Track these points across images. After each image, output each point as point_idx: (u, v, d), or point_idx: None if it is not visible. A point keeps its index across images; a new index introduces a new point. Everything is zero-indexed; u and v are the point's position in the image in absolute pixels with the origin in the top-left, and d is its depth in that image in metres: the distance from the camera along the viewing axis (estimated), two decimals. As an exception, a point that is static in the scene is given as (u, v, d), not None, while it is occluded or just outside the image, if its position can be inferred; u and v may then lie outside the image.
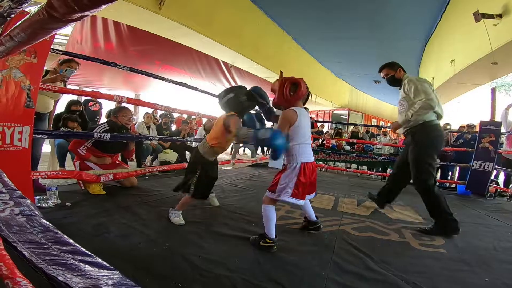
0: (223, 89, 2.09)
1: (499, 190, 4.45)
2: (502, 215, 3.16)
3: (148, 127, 4.61)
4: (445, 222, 2.26)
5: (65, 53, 2.86)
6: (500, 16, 4.33)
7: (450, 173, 5.65)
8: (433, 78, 7.77)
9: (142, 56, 6.87)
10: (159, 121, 5.19)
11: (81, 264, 0.49)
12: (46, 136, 2.41)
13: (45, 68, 2.51)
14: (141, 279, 1.28)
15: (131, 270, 1.34)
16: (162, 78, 3.25)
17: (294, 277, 1.43)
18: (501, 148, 4.53)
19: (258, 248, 1.71)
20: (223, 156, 7.18)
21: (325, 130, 8.60)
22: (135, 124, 4.72)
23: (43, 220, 0.60)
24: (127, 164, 3.30)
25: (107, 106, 4.91)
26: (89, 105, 4.38)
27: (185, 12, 5.32)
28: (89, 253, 0.53)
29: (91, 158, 2.69)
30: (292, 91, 1.78)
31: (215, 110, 8.65)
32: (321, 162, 6.22)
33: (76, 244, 0.55)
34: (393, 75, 2.65)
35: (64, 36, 6.84)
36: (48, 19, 0.63)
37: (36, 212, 0.63)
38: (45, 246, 0.52)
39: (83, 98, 4.35)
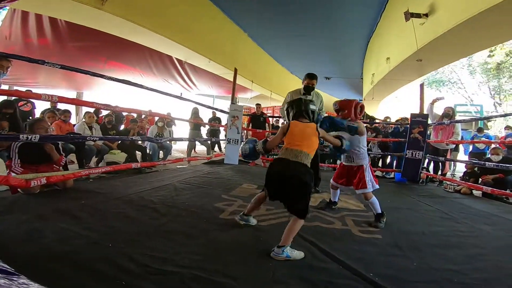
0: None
1: (429, 176, 4.98)
2: (433, 200, 3.49)
3: (90, 127, 4.31)
4: None
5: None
6: (426, 15, 4.70)
7: (394, 163, 6.19)
8: (373, 74, 8.45)
9: (84, 52, 6.39)
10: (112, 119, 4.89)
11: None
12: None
13: None
14: (83, 281, 1.24)
15: (71, 273, 1.29)
16: (101, 76, 3.04)
17: (243, 269, 1.47)
18: (429, 138, 5.09)
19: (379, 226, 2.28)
20: (178, 154, 7.04)
21: (280, 125, 8.87)
22: (74, 125, 4.38)
23: None
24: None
25: (41, 106, 4.49)
26: (19, 105, 3.95)
27: (132, 8, 5.07)
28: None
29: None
30: (360, 112, 2.39)
31: (169, 108, 8.38)
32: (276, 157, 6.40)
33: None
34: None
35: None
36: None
37: None
38: None
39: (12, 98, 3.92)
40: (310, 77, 3.33)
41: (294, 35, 8.13)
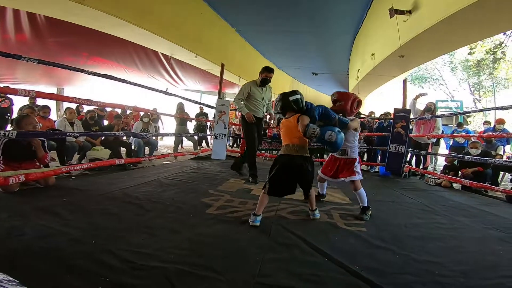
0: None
1: (412, 170, 5.12)
2: (415, 193, 3.59)
3: (71, 124, 4.18)
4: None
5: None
6: (410, 12, 4.81)
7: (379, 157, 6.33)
8: (358, 70, 8.57)
9: (64, 48, 6.18)
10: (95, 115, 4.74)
11: None
12: None
13: None
14: (64, 278, 1.21)
15: (53, 270, 1.26)
16: (81, 70, 2.94)
17: (229, 263, 1.47)
18: (411, 133, 5.21)
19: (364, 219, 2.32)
20: (164, 150, 6.95)
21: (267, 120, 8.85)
22: (55, 121, 4.23)
23: None
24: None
25: (21, 102, 4.32)
26: (-3, 101, 3.80)
27: (115, 2, 4.92)
28: None
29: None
30: (356, 107, 2.43)
31: (155, 104, 8.22)
32: (263, 151, 6.46)
33: None
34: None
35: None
36: None
37: None
38: None
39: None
40: (269, 71, 3.59)
41: (282, 30, 8.13)
